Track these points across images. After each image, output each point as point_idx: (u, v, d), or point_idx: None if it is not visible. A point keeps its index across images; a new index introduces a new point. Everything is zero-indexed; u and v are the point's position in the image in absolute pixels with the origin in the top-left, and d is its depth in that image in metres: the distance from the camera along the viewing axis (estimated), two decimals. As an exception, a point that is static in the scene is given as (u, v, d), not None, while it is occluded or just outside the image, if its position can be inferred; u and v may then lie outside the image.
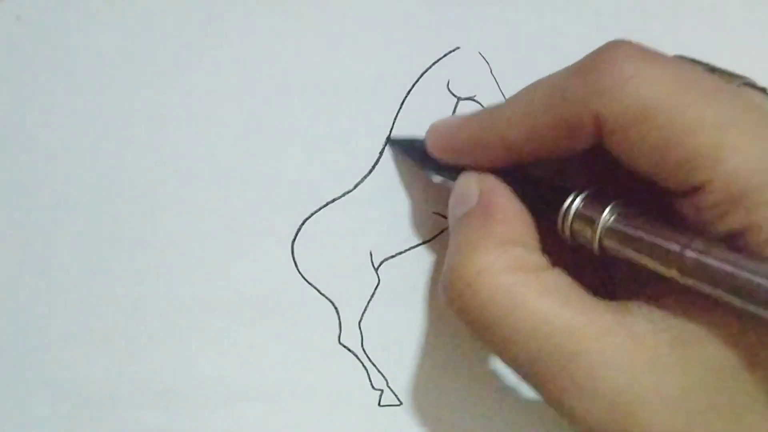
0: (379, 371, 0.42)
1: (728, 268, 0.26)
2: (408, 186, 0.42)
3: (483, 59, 0.42)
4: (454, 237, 0.34)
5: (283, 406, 0.42)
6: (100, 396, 0.41)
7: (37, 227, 0.41)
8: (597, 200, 0.31)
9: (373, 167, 0.42)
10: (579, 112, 0.30)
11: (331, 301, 0.42)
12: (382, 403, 0.42)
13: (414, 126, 0.41)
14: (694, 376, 0.28)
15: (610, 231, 0.30)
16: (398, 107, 0.42)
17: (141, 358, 0.41)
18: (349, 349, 0.42)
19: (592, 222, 0.31)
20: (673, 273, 0.27)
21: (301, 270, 0.42)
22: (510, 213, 0.33)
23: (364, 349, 0.42)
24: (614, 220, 0.30)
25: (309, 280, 0.42)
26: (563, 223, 0.32)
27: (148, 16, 0.41)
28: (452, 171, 0.37)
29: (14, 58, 0.40)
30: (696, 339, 0.28)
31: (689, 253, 0.27)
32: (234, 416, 0.42)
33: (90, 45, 0.41)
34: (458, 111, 0.42)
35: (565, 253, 0.33)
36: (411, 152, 0.40)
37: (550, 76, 0.33)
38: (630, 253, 0.29)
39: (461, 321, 0.32)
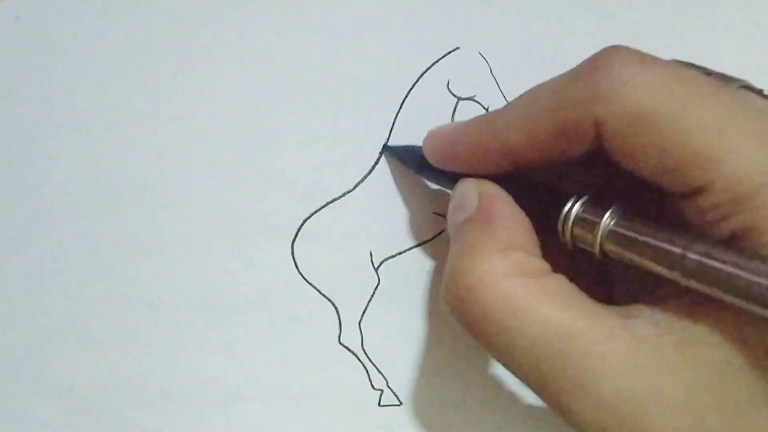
0: (379, 371, 0.42)
1: (730, 269, 0.26)
2: (408, 186, 0.42)
3: (483, 59, 0.42)
4: (454, 243, 0.34)
5: (283, 406, 0.42)
6: (100, 396, 0.41)
7: (37, 227, 0.41)
8: (597, 204, 0.31)
9: (373, 167, 0.42)
10: (578, 116, 0.30)
11: (331, 301, 0.42)
12: (382, 403, 0.42)
13: (414, 126, 0.41)
14: (699, 378, 0.28)
15: (611, 234, 0.30)
16: (398, 107, 0.42)
17: (141, 358, 0.41)
18: (349, 349, 0.42)
19: (592, 226, 0.31)
20: (675, 275, 0.28)
21: (301, 270, 0.42)
22: (510, 218, 0.33)
23: (364, 349, 0.42)
24: (615, 223, 0.30)
25: (309, 280, 0.42)
26: (564, 227, 0.32)
27: (147, 16, 0.41)
28: (450, 178, 0.37)
29: (14, 58, 0.40)
30: (700, 341, 0.28)
31: (691, 255, 0.27)
32: (234, 416, 0.42)
33: (90, 45, 0.41)
34: (458, 111, 0.42)
35: (566, 257, 0.33)
36: (408, 160, 0.40)
37: (547, 82, 0.33)
38: (631, 256, 0.29)
39: (462, 326, 0.32)
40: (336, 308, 0.42)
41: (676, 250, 0.27)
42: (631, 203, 0.31)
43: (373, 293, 0.42)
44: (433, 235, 0.42)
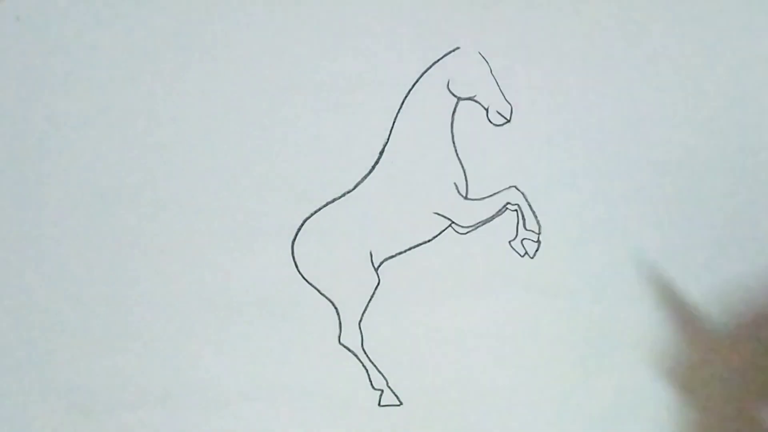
0: (379, 371, 0.42)
1: None
2: (408, 186, 0.42)
3: (483, 59, 0.42)
4: None
5: (283, 406, 0.42)
6: (100, 396, 0.41)
7: (36, 227, 0.41)
8: None
9: (373, 167, 0.42)
10: None
11: (331, 301, 0.42)
12: (382, 403, 0.42)
13: (414, 126, 0.41)
14: None
15: None
16: (398, 107, 0.42)
17: (141, 359, 0.41)
18: (349, 349, 0.42)
19: None
20: None
21: (301, 270, 0.42)
22: None
23: (364, 349, 0.42)
24: None
25: (309, 280, 0.42)
26: None
27: (147, 17, 0.41)
28: None
29: (14, 58, 0.40)
30: None
31: None
32: (234, 416, 0.42)
33: (90, 45, 0.41)
34: (458, 111, 0.42)
35: None
36: None
37: None
38: None
39: None
40: (336, 308, 0.42)
41: None
42: None
43: (373, 293, 0.42)
44: (434, 235, 0.42)
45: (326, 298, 0.42)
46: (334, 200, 0.42)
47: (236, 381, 0.42)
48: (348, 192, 0.42)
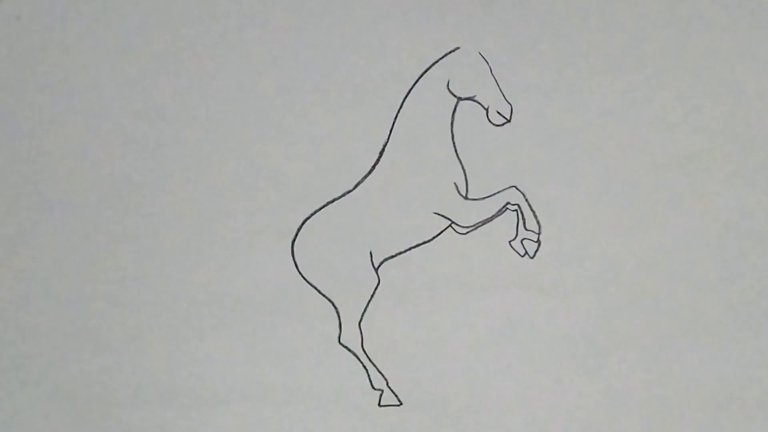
0: (379, 371, 0.42)
1: None
2: (408, 186, 0.42)
3: (483, 59, 0.42)
4: None
5: (284, 406, 0.42)
6: (100, 396, 0.41)
7: (36, 227, 0.41)
8: None
9: (373, 167, 0.42)
10: None
11: (331, 301, 0.42)
12: (382, 403, 0.42)
13: (414, 126, 0.41)
14: None
15: None
16: (398, 107, 0.42)
17: (140, 358, 0.41)
18: (349, 349, 0.42)
19: None
20: None
21: (301, 270, 0.42)
22: None
23: (364, 349, 0.42)
24: None
25: (309, 280, 0.42)
26: None
27: (147, 17, 0.41)
28: None
29: (14, 58, 0.40)
30: None
31: None
32: (233, 416, 0.42)
33: (90, 45, 0.41)
34: (458, 111, 0.42)
35: None
36: None
37: None
38: None
39: None
40: (336, 308, 0.42)
41: None
42: None
43: (373, 293, 0.42)
44: (434, 235, 0.42)
45: (326, 298, 0.42)
46: (334, 200, 0.42)
47: (236, 381, 0.42)
48: (348, 192, 0.42)
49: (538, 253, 0.42)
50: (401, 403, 0.42)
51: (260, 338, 0.42)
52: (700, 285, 0.42)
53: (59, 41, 0.40)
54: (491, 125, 0.42)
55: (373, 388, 0.42)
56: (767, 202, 0.42)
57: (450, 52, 0.42)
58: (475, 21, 0.42)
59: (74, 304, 0.41)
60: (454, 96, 0.42)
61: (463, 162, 0.42)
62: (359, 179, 0.42)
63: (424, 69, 0.42)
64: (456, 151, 0.42)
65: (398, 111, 0.42)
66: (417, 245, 0.42)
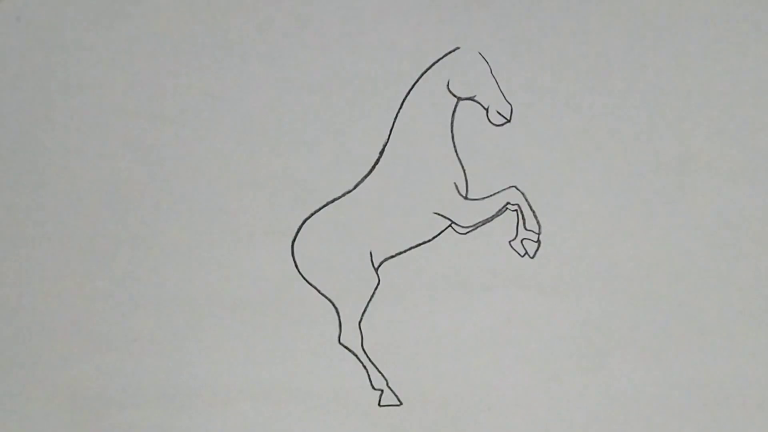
0: (379, 371, 0.42)
1: None
2: (408, 186, 0.42)
3: (483, 59, 0.42)
4: None
5: (283, 406, 0.42)
6: (99, 396, 0.41)
7: (36, 227, 0.41)
8: None
9: (373, 167, 0.42)
10: None
11: (331, 301, 0.42)
12: (382, 403, 0.42)
13: (414, 126, 0.41)
14: None
15: None
16: (398, 107, 0.42)
17: (140, 358, 0.41)
18: (349, 349, 0.42)
19: None
20: None
21: (301, 270, 0.42)
22: None
23: (364, 349, 0.42)
24: None
25: (309, 280, 0.42)
26: None
27: (147, 17, 0.41)
28: None
29: (14, 58, 0.40)
30: None
31: None
32: (233, 416, 0.42)
33: (90, 45, 0.41)
34: (458, 111, 0.42)
35: None
36: None
37: None
38: None
39: None
40: (336, 308, 0.42)
41: None
42: None
43: (373, 293, 0.42)
44: (434, 235, 0.42)
45: (326, 298, 0.42)
46: (334, 200, 0.42)
47: (236, 381, 0.42)
48: (348, 192, 0.42)
49: (538, 253, 0.42)
50: (401, 403, 0.42)
51: (260, 338, 0.42)
52: (700, 285, 0.42)
53: (59, 41, 0.40)
54: (491, 125, 0.42)
55: (373, 388, 0.42)
56: (767, 202, 0.42)
57: (450, 52, 0.42)
58: (475, 21, 0.42)
59: (74, 304, 0.41)
60: (454, 96, 0.42)
61: (463, 162, 0.42)
62: (359, 179, 0.42)
63: (424, 69, 0.42)
64: (456, 151, 0.42)
65: (398, 111, 0.42)
66: (417, 245, 0.42)
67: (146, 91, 0.41)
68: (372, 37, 0.42)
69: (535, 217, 0.42)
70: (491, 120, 0.42)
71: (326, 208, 0.42)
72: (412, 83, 0.42)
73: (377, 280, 0.42)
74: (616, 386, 0.42)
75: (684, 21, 0.43)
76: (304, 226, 0.42)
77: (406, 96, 0.42)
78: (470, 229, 0.42)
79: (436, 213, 0.42)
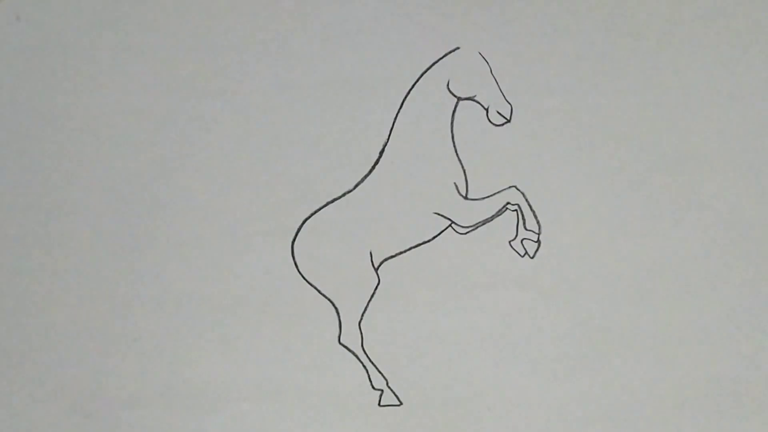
0: (379, 371, 0.42)
1: None
2: (408, 186, 0.42)
3: (483, 59, 0.42)
4: None
5: (283, 406, 0.42)
6: (100, 396, 0.41)
7: (36, 228, 0.41)
8: None
9: (373, 167, 0.42)
10: None
11: (331, 301, 0.42)
12: (382, 403, 0.42)
13: (414, 126, 0.41)
14: None
15: None
16: (398, 107, 0.42)
17: (141, 359, 0.41)
18: (349, 349, 0.42)
19: None
20: None
21: (301, 270, 0.42)
22: None
23: (364, 349, 0.42)
24: None
25: (309, 280, 0.42)
26: None
27: (147, 17, 0.41)
28: None
29: (14, 58, 0.40)
30: None
31: None
32: (233, 416, 0.42)
33: (90, 45, 0.41)
34: (458, 111, 0.42)
35: None
36: None
37: None
38: None
39: None
40: (336, 308, 0.42)
41: None
42: None
43: (373, 293, 0.42)
44: (434, 235, 0.42)
45: (326, 298, 0.42)
46: (334, 200, 0.42)
47: (236, 381, 0.42)
48: (348, 192, 0.42)
49: (538, 253, 0.42)
50: (401, 403, 0.42)
51: (260, 338, 0.42)
52: (700, 284, 0.42)
53: (59, 41, 0.40)
54: (491, 125, 0.42)
55: (373, 388, 0.42)
56: (767, 202, 0.42)
57: (450, 52, 0.42)
58: (475, 21, 0.42)
59: (75, 304, 0.41)
60: (454, 96, 0.42)
61: (463, 162, 0.42)
62: (359, 179, 0.42)
63: (424, 69, 0.42)
64: (456, 151, 0.42)
65: (398, 111, 0.42)
66: (417, 245, 0.42)
67: (146, 91, 0.41)
68: (372, 37, 0.42)
69: (535, 217, 0.42)
70: (491, 120, 0.42)
71: (326, 208, 0.42)
72: (412, 83, 0.42)
73: (377, 280, 0.42)
74: (616, 386, 0.42)
75: (684, 21, 0.43)
76: (304, 226, 0.42)
77: (406, 96, 0.42)
78: (470, 229, 0.42)
79: (436, 213, 0.42)
